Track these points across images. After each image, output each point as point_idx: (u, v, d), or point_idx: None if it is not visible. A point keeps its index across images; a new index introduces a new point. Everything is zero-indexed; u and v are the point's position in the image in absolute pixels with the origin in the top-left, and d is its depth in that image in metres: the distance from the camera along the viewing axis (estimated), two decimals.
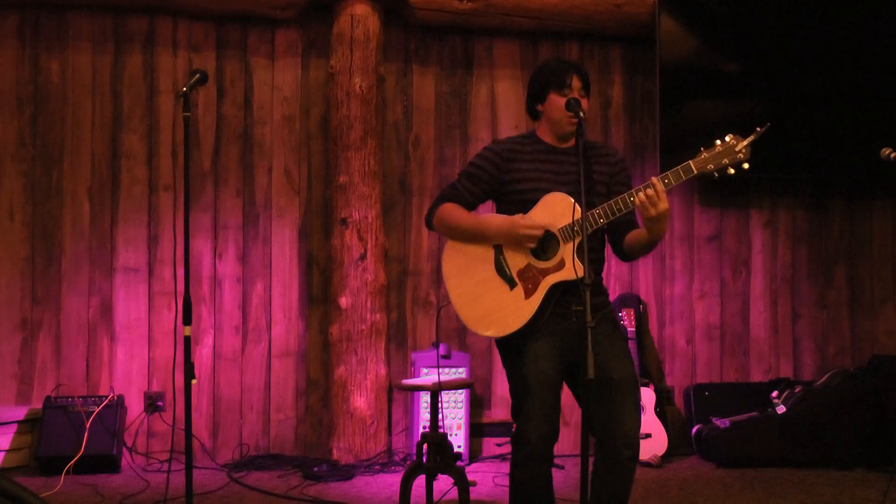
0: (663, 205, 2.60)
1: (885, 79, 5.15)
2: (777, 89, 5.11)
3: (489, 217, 2.85)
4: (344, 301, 4.69)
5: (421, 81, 5.11)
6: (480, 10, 4.88)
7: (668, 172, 2.65)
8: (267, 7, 4.81)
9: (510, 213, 2.82)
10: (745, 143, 2.63)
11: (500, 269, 2.80)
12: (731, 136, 2.65)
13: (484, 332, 2.83)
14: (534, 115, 2.96)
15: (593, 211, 2.70)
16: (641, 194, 2.61)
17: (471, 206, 2.92)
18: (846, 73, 5.15)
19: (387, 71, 4.98)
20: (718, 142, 2.65)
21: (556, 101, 2.83)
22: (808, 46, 5.13)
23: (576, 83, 2.83)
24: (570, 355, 2.77)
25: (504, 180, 2.86)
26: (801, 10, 5.12)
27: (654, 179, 2.62)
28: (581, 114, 2.73)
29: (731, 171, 2.63)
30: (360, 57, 4.76)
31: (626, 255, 2.90)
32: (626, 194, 2.68)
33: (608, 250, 2.97)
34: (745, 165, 2.62)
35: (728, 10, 5.12)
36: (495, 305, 2.78)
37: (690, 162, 2.65)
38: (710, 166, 2.64)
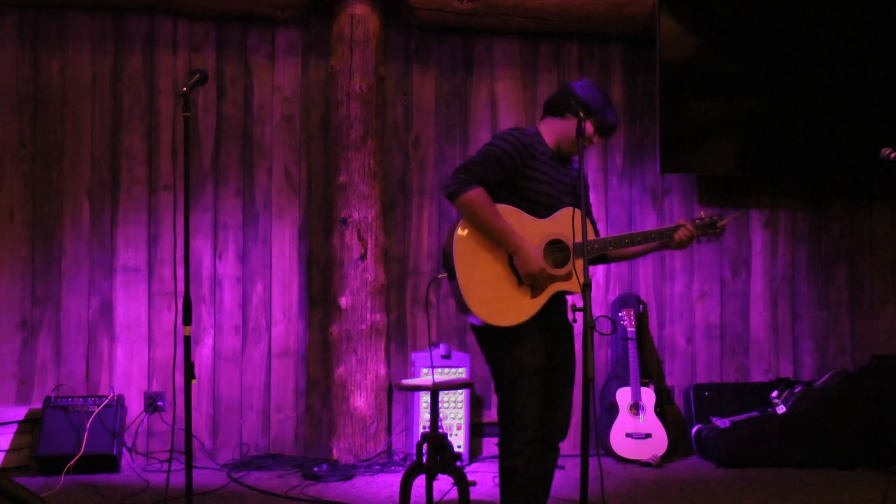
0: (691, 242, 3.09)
1: (886, 79, 5.15)
2: (777, 89, 5.12)
3: (517, 235, 2.87)
4: (344, 301, 4.69)
5: (421, 81, 5.11)
6: (480, 10, 4.88)
7: (668, 227, 3.07)
8: (267, 7, 4.81)
9: (518, 206, 2.92)
10: (723, 222, 3.11)
11: (513, 264, 2.89)
12: (710, 212, 3.15)
13: (486, 318, 2.87)
14: (554, 112, 3.05)
15: (607, 238, 2.99)
16: (684, 231, 3.03)
17: (491, 189, 2.93)
18: (846, 73, 5.15)
19: (387, 71, 4.98)
20: (703, 214, 3.11)
21: (583, 129, 2.95)
22: (809, 46, 5.13)
23: (605, 133, 3.08)
24: (548, 351, 3.00)
25: (522, 174, 2.94)
26: (801, 10, 5.13)
27: (686, 223, 3.06)
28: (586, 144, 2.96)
29: (707, 240, 3.13)
30: (359, 57, 4.76)
31: (607, 261, 3.23)
32: (640, 232, 3.02)
33: None
34: (718, 239, 3.15)
35: (728, 10, 5.12)
36: (502, 295, 2.87)
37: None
38: (699, 232, 3.08)
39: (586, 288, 2.67)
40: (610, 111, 3.03)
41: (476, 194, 2.85)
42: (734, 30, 5.13)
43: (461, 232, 2.89)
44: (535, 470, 2.93)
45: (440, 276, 3.03)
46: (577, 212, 2.93)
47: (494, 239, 2.87)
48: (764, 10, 5.12)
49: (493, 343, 2.95)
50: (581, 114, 2.93)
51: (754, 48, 5.12)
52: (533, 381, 2.89)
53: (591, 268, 2.81)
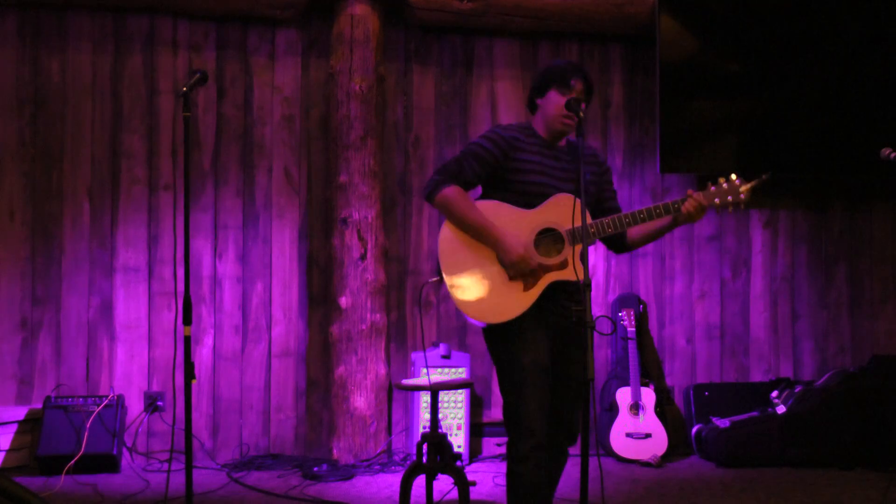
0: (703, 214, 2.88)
1: (885, 79, 5.15)
2: (777, 89, 5.11)
3: (495, 228, 2.82)
4: (344, 301, 4.69)
5: (421, 81, 5.11)
6: (480, 10, 4.88)
7: (676, 200, 2.88)
8: (267, 7, 4.81)
9: (510, 201, 2.86)
10: (748, 186, 2.85)
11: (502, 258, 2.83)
12: (735, 175, 2.86)
13: (479, 316, 2.82)
14: (532, 108, 3.02)
15: (603, 220, 2.84)
16: (692, 202, 2.83)
17: (471, 185, 2.92)
18: (846, 73, 5.15)
19: (387, 71, 4.98)
20: (723, 179, 2.87)
21: (555, 99, 2.89)
22: (809, 46, 5.13)
23: (578, 86, 2.89)
24: (555, 350, 2.87)
25: (507, 168, 2.88)
26: (801, 10, 5.12)
27: (693, 193, 2.86)
28: (580, 113, 2.77)
29: (730, 209, 2.87)
30: (360, 57, 4.76)
31: (627, 248, 3.06)
32: (643, 210, 2.86)
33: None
34: (742, 207, 2.86)
35: (728, 10, 5.12)
36: (493, 292, 2.80)
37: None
38: (717, 200, 2.87)
39: (586, 288, 2.58)
40: (573, 70, 2.88)
41: (450, 192, 2.84)
42: (734, 30, 5.13)
43: (445, 233, 2.87)
44: (543, 476, 2.83)
45: (432, 279, 2.92)
46: (567, 196, 2.83)
47: (474, 234, 2.82)
48: (764, 10, 5.12)
49: (495, 343, 2.89)
50: (551, 82, 2.88)
51: (754, 48, 5.12)
52: (537, 381, 2.77)
53: (590, 268, 2.78)
